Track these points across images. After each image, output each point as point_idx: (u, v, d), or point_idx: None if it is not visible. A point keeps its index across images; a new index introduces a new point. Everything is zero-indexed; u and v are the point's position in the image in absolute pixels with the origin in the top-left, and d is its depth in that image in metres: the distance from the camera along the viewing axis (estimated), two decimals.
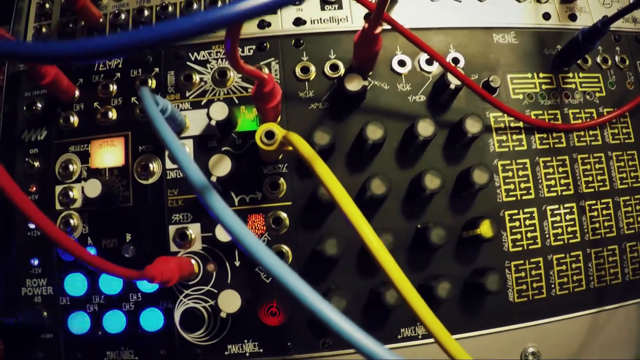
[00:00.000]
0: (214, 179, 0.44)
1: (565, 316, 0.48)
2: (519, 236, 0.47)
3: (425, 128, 0.44)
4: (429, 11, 0.50)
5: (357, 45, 0.43)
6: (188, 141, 0.47)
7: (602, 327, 0.49)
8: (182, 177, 0.47)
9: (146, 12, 0.51)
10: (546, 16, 0.53)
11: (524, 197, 0.47)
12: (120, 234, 0.47)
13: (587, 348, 0.48)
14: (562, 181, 0.49)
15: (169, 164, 0.47)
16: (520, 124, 0.48)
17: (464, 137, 0.45)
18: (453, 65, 0.47)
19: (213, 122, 0.45)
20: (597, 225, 0.49)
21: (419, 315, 0.30)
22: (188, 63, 0.48)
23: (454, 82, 0.45)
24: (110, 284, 0.46)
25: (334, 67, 0.47)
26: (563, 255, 0.48)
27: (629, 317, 0.50)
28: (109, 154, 0.48)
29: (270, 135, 0.40)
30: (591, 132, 0.51)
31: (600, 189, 0.50)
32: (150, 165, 0.47)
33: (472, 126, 0.45)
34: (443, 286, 0.43)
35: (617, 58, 0.54)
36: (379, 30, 0.41)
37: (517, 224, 0.47)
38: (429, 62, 0.48)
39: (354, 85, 0.45)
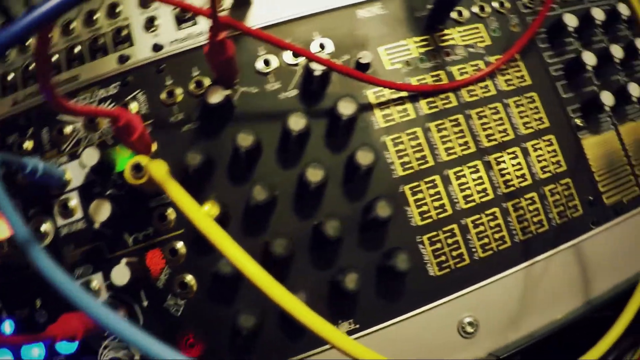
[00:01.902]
0: (97, 225, 0.44)
1: (496, 277, 0.47)
2: (425, 208, 0.46)
3: (296, 122, 0.43)
4: (289, 2, 0.49)
5: (208, 57, 0.43)
6: (73, 194, 0.46)
7: (539, 279, 0.48)
8: (74, 231, 0.46)
9: None
10: None
11: (421, 167, 0.47)
12: (31, 301, 0.46)
13: (529, 304, 0.48)
14: (460, 141, 0.48)
15: (59, 221, 0.46)
16: (404, 94, 0.47)
17: (340, 121, 0.44)
18: (313, 52, 0.48)
19: (87, 170, 0.45)
20: (508, 177, 0.49)
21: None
22: (57, 117, 0.48)
23: (318, 69, 0.44)
24: (31, 353, 0.46)
25: (199, 84, 0.47)
26: (478, 216, 0.47)
27: (567, 262, 0.50)
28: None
29: (137, 168, 0.40)
30: (482, 84, 0.50)
31: (504, 139, 0.49)
32: (42, 227, 0.46)
33: (345, 108, 0.44)
34: (350, 278, 0.43)
35: (495, 4, 0.53)
36: (222, 36, 0.41)
37: (420, 195, 0.46)
38: (295, 54, 0.47)
39: (215, 97, 0.45)
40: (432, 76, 0.49)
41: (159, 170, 0.36)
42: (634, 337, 0.69)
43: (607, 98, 0.52)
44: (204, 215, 0.33)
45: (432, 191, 0.46)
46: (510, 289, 0.47)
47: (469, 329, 0.45)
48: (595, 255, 0.51)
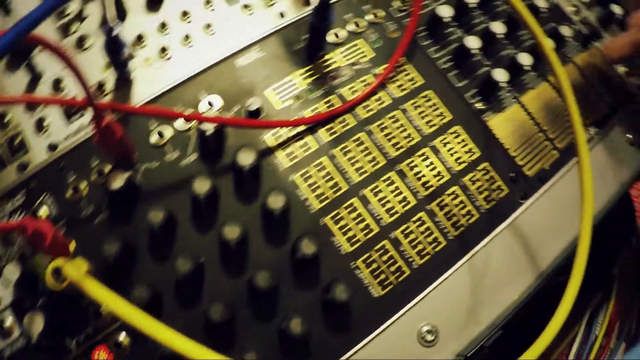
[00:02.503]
0: (34, 339, 0.43)
1: (441, 279, 0.48)
2: (351, 233, 0.46)
3: (201, 186, 0.44)
4: (169, 70, 0.49)
5: (99, 144, 0.44)
6: (6, 313, 0.46)
7: (484, 267, 0.49)
8: (16, 351, 0.46)
9: None
10: (282, 14, 0.52)
11: (337, 195, 0.47)
12: None
13: (482, 295, 0.48)
14: (368, 158, 0.49)
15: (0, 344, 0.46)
16: (301, 128, 0.48)
17: (244, 172, 0.44)
18: (201, 113, 0.49)
19: (12, 286, 0.44)
20: (424, 179, 0.49)
21: None
22: None
23: (209, 128, 0.45)
24: None
25: (101, 173, 0.47)
26: (405, 225, 0.48)
27: (507, 243, 0.52)
28: None
29: (57, 273, 0.40)
30: (375, 98, 0.51)
31: (410, 144, 0.50)
32: None
33: (245, 159, 0.45)
34: (295, 323, 0.43)
35: (368, 17, 0.54)
36: (106, 121, 0.41)
37: (343, 223, 0.47)
38: (186, 120, 0.47)
39: (117, 182, 0.45)
40: (325, 103, 0.50)
41: (75, 271, 0.36)
42: (602, 292, 0.70)
43: (500, 75, 0.54)
44: (128, 308, 0.33)
45: (353, 215, 0.47)
46: (459, 286, 0.48)
47: (429, 337, 0.46)
48: (533, 228, 0.52)
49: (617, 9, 0.66)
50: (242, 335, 0.44)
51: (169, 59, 0.51)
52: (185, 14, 0.52)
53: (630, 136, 0.61)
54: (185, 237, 0.46)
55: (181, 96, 0.50)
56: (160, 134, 0.49)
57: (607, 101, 0.61)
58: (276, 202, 0.44)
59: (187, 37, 0.51)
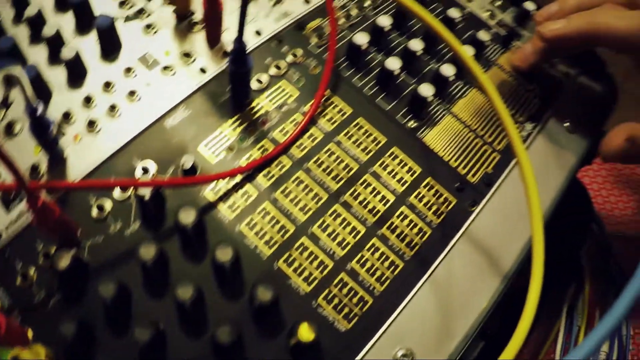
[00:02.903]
0: None
1: (405, 301, 0.48)
2: (306, 273, 0.47)
3: (147, 252, 0.44)
4: (100, 143, 0.49)
5: (38, 226, 0.43)
6: None
7: (447, 280, 0.50)
8: None
9: None
10: (203, 70, 0.53)
11: (285, 237, 0.47)
12: None
13: (450, 309, 0.49)
14: (310, 195, 0.49)
15: None
16: (239, 178, 0.48)
17: (188, 231, 0.44)
18: (137, 179, 0.49)
19: None
20: (370, 205, 0.50)
21: None
22: None
23: (146, 194, 0.45)
24: None
25: (47, 256, 0.47)
26: (360, 255, 0.48)
27: (465, 252, 0.52)
28: None
29: None
30: (307, 135, 0.51)
31: (350, 174, 0.51)
32: None
33: (186, 218, 0.45)
34: None
35: (288, 58, 0.55)
36: (40, 202, 0.41)
37: (296, 264, 0.47)
38: (123, 189, 0.47)
39: (64, 262, 0.45)
40: (258, 149, 0.51)
41: (34, 358, 0.36)
42: (575, 283, 0.71)
43: (426, 90, 0.55)
44: None
45: (305, 254, 0.47)
46: (426, 304, 0.49)
47: None
48: (488, 232, 0.53)
49: (530, 5, 0.68)
50: None
51: (98, 132, 0.51)
52: (108, 84, 0.53)
53: (568, 124, 0.62)
54: (141, 305, 0.46)
55: (115, 167, 0.50)
56: (100, 208, 0.49)
57: (539, 95, 0.63)
58: (225, 255, 0.44)
59: (113, 107, 0.52)
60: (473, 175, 0.55)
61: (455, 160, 0.56)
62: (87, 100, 0.53)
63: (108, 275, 0.44)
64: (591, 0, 0.62)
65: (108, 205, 0.49)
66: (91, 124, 0.52)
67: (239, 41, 0.48)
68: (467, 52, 0.50)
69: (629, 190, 0.94)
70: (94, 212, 0.48)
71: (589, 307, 0.75)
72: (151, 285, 0.46)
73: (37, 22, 0.55)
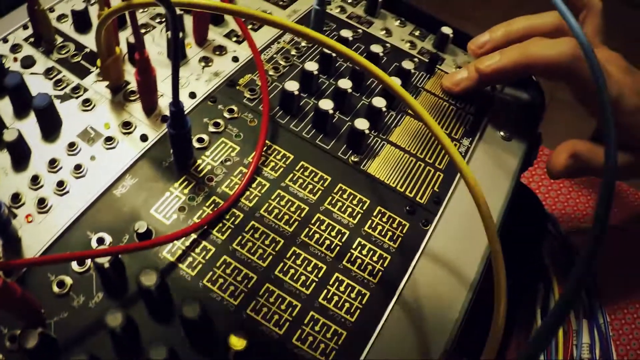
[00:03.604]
0: None
1: (378, 328, 0.50)
2: (276, 317, 0.48)
3: (113, 320, 0.44)
4: (52, 220, 0.50)
5: (0, 309, 0.43)
6: None
7: (416, 301, 0.52)
8: None
9: None
10: (144, 137, 0.54)
11: (249, 286, 0.49)
12: None
13: (424, 327, 0.51)
14: (267, 242, 0.51)
15: None
16: (194, 236, 0.49)
17: (151, 294, 0.45)
18: (94, 250, 0.50)
19: None
20: (327, 242, 0.52)
21: None
22: None
23: (104, 262, 0.45)
24: None
25: (13, 338, 0.47)
26: (325, 291, 0.50)
27: (428, 270, 0.54)
28: None
29: None
30: (254, 185, 0.53)
31: (301, 215, 0.53)
32: None
33: (148, 280, 0.46)
34: None
35: (225, 114, 0.57)
36: (1, 282, 0.41)
37: (265, 310, 0.49)
38: (80, 262, 0.48)
39: (31, 341, 0.44)
40: (209, 206, 0.52)
41: None
42: (543, 283, 0.73)
43: (361, 124, 0.58)
44: None
45: (272, 299, 0.48)
46: (398, 328, 0.50)
47: None
48: (447, 247, 0.56)
49: (447, 30, 0.73)
50: None
51: (49, 209, 0.52)
52: (53, 162, 0.54)
53: (503, 133, 0.66)
54: None
55: (70, 242, 0.51)
56: (61, 284, 0.49)
57: (470, 111, 0.67)
58: (191, 311, 0.45)
59: (60, 183, 0.53)
60: (421, 197, 0.58)
61: (402, 186, 0.58)
62: (34, 180, 0.54)
63: (78, 348, 0.45)
64: (517, 29, 0.66)
65: (68, 280, 0.49)
66: (41, 202, 0.53)
67: (175, 104, 0.50)
68: (395, 82, 0.53)
69: (576, 187, 0.99)
70: (55, 288, 0.49)
71: None
72: (122, 352, 0.46)
73: None
